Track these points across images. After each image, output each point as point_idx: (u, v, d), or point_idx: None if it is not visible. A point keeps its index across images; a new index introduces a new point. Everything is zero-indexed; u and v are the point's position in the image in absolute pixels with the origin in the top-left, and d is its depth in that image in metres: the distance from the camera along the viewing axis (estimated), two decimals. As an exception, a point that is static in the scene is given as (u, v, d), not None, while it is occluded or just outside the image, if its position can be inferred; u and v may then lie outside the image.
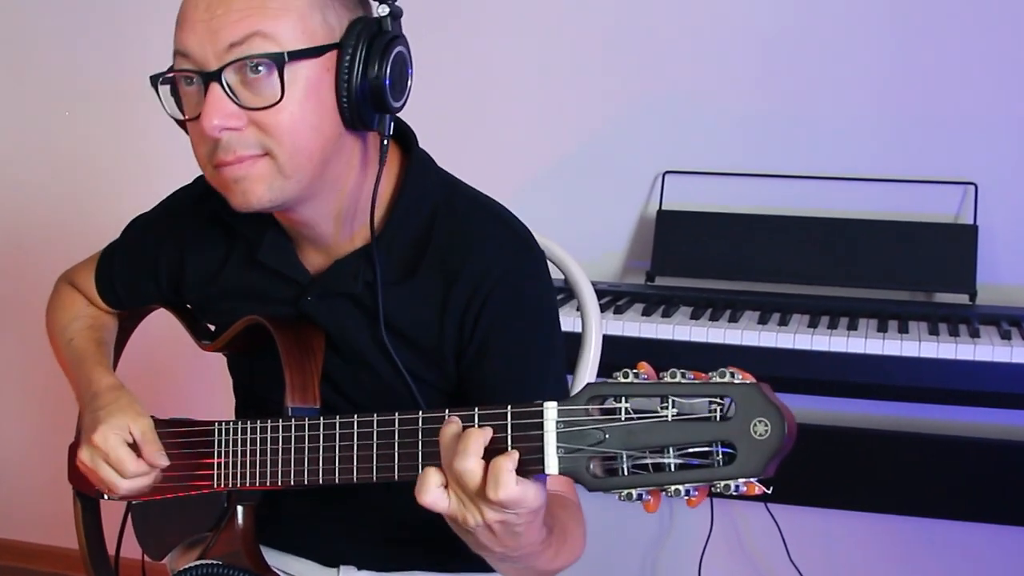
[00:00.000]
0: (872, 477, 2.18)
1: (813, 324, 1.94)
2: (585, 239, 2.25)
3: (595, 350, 1.49)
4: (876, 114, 2.18)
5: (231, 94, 1.04)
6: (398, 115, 1.16)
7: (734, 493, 0.82)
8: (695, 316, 1.98)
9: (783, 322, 1.94)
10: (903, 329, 1.91)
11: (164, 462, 1.18)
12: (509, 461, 0.89)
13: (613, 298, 2.09)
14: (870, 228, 2.11)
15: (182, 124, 1.12)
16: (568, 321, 1.66)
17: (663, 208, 2.24)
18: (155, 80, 1.10)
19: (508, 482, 0.88)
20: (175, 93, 1.10)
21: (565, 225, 2.19)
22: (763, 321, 1.96)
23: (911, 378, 1.84)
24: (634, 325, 1.94)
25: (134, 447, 1.18)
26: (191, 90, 1.07)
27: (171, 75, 1.08)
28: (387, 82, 1.08)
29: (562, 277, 1.51)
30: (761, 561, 2.35)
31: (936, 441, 2.14)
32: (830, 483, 2.19)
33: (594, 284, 1.53)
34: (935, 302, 2.11)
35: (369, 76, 1.07)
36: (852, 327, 1.92)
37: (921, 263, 2.07)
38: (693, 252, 2.18)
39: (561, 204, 2.34)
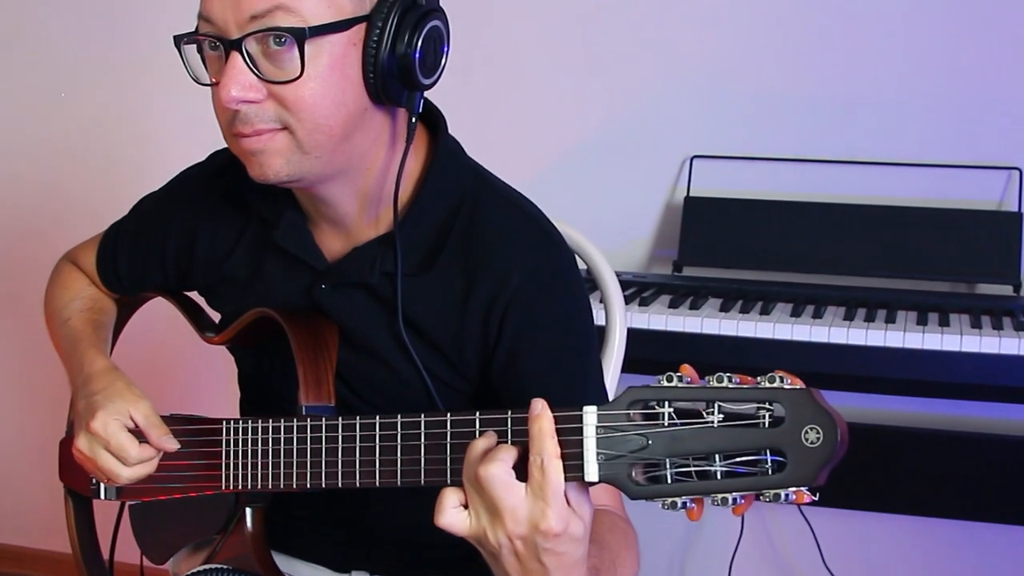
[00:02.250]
0: (911, 478, 2.16)
1: (849, 317, 1.91)
2: (609, 227, 2.24)
3: (619, 344, 1.48)
4: (915, 96, 2.15)
5: (251, 65, 1.03)
6: (429, 100, 1.14)
7: (783, 502, 0.80)
8: (724, 308, 1.96)
9: (817, 315, 1.92)
10: (944, 322, 1.89)
11: (174, 445, 1.15)
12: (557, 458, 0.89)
13: (638, 289, 2.08)
14: (908, 215, 2.09)
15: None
16: (591, 313, 1.63)
17: (691, 195, 2.22)
18: (178, 41, 1.09)
19: (556, 468, 0.88)
20: (200, 52, 1.09)
21: (588, 212, 2.19)
22: (796, 314, 1.93)
23: (952, 374, 1.82)
24: (660, 318, 1.92)
25: (135, 434, 1.15)
26: (214, 55, 1.07)
27: (194, 37, 1.08)
28: (417, 56, 1.06)
29: (585, 267, 1.50)
30: (794, 565, 2.33)
31: (978, 440, 2.11)
32: (866, 484, 2.17)
33: (618, 274, 1.52)
34: (977, 293, 2.09)
35: (397, 51, 1.06)
36: (890, 320, 1.90)
37: (963, 252, 2.05)
38: (722, 241, 2.16)
39: (584, 190, 2.33)
